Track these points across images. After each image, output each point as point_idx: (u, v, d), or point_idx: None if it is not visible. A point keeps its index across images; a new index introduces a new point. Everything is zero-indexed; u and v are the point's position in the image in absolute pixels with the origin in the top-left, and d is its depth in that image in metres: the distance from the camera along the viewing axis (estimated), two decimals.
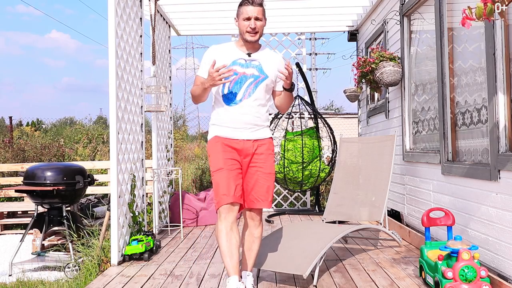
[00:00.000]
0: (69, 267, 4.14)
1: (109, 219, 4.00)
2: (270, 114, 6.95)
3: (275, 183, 6.61)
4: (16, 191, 4.58)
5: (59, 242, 4.94)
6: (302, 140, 5.99)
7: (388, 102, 5.45)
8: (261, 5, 2.88)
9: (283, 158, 6.01)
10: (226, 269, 2.82)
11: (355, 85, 5.78)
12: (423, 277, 3.16)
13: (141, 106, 4.76)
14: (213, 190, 2.91)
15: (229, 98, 2.90)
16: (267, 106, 3.02)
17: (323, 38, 31.68)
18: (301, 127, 6.25)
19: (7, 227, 6.63)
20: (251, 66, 2.91)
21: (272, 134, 6.29)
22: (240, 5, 2.90)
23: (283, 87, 2.97)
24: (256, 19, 2.86)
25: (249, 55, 2.93)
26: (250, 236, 2.98)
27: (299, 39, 7.25)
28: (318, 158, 6.08)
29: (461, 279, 2.72)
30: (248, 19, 2.85)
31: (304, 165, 5.94)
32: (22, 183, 4.62)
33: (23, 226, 6.55)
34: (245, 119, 2.89)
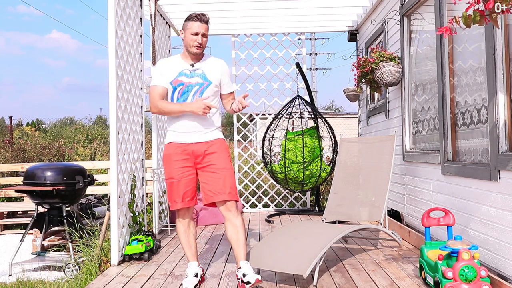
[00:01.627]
0: (69, 267, 4.15)
1: (109, 219, 4.00)
2: (269, 114, 6.99)
3: (275, 183, 6.62)
4: (16, 191, 4.58)
5: (59, 242, 4.95)
6: (303, 139, 5.99)
7: (388, 102, 5.45)
8: (207, 22, 3.20)
9: (284, 158, 6.01)
10: (186, 257, 3.34)
11: (355, 85, 5.77)
12: (423, 277, 3.16)
13: (141, 106, 4.76)
14: (167, 194, 3.31)
15: None
16: (216, 110, 3.29)
17: (323, 38, 31.68)
18: (302, 127, 6.25)
19: (7, 227, 6.64)
20: (195, 75, 3.21)
21: (273, 134, 6.31)
22: (189, 19, 3.19)
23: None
24: (203, 35, 3.17)
25: (192, 65, 3.22)
26: (233, 227, 3.16)
27: (299, 39, 7.25)
28: (319, 157, 6.08)
29: (461, 279, 2.72)
30: (196, 34, 3.15)
31: (305, 165, 5.94)
32: (22, 183, 4.63)
33: (23, 226, 6.55)
34: (194, 124, 3.19)
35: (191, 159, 3.21)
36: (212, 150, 3.20)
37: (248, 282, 2.98)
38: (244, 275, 3.04)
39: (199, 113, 3.08)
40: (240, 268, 3.11)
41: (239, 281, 3.11)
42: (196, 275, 3.24)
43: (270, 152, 6.23)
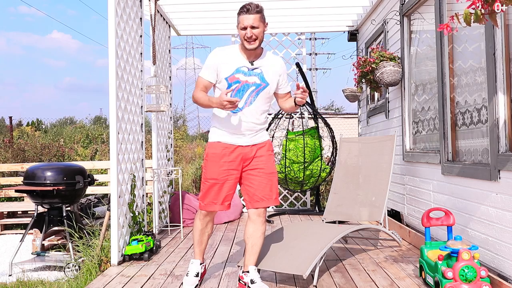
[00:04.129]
0: (69, 267, 4.14)
1: (109, 219, 4.00)
2: (270, 114, 6.99)
3: None
4: (16, 191, 4.57)
5: (59, 242, 4.94)
6: (303, 140, 5.99)
7: (388, 102, 5.45)
8: (258, 12, 2.93)
9: (284, 158, 6.01)
10: (194, 252, 3.29)
11: (355, 85, 5.77)
12: (423, 277, 3.16)
13: (141, 106, 4.76)
14: (201, 192, 3.16)
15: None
16: (267, 110, 3.18)
17: (323, 38, 31.74)
18: (303, 127, 6.25)
19: (7, 227, 6.63)
20: (253, 74, 3.02)
21: (273, 134, 6.31)
22: (238, 13, 2.97)
23: (295, 102, 3.02)
24: (252, 27, 2.92)
25: (251, 63, 3.02)
26: (255, 232, 3.11)
27: (299, 39, 7.25)
28: (319, 158, 6.08)
29: (461, 279, 2.72)
30: (245, 28, 2.93)
31: (305, 165, 5.94)
32: (22, 183, 4.62)
33: (23, 226, 6.54)
34: (245, 126, 3.04)
35: (239, 162, 3.08)
36: (260, 153, 3.10)
37: None
38: (252, 282, 3.04)
39: (223, 109, 2.91)
40: (248, 272, 3.09)
41: (241, 283, 3.11)
42: (197, 275, 3.21)
43: None
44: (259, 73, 3.03)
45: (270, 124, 6.36)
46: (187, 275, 3.22)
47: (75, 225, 4.46)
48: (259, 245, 3.13)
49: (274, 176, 3.12)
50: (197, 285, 3.19)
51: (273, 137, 6.28)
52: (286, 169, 5.98)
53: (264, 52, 3.10)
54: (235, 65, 3.01)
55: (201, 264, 3.28)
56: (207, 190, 3.09)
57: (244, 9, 2.92)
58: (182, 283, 3.24)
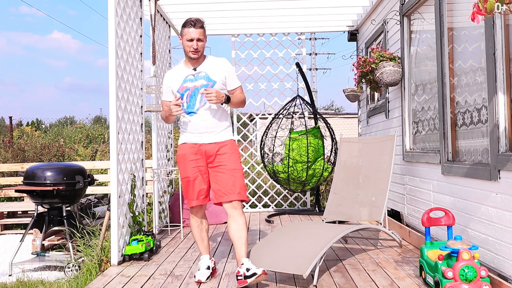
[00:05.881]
0: (69, 267, 4.15)
1: (109, 219, 4.00)
2: (265, 115, 7.02)
3: (275, 183, 6.62)
4: (16, 191, 4.58)
5: (59, 242, 4.95)
6: (307, 139, 5.99)
7: (388, 102, 5.45)
8: (202, 27, 3.29)
9: (288, 158, 6.00)
10: (199, 250, 3.51)
11: (355, 85, 5.77)
12: (423, 277, 3.16)
13: (141, 106, 4.76)
14: (183, 192, 3.47)
15: (189, 110, 3.34)
16: (226, 110, 3.42)
17: (323, 38, 31.70)
18: (306, 126, 6.24)
19: (7, 227, 6.63)
20: (199, 78, 3.34)
21: (276, 134, 6.30)
22: (184, 26, 3.30)
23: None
24: (198, 40, 3.27)
25: (194, 69, 3.35)
26: (237, 225, 3.26)
27: (299, 39, 7.25)
28: (322, 157, 6.08)
29: (461, 279, 2.72)
30: (191, 40, 3.27)
31: (309, 165, 5.94)
32: (22, 183, 4.62)
33: (23, 226, 6.55)
34: (205, 124, 3.32)
35: (203, 159, 3.35)
36: (223, 151, 3.33)
37: (254, 274, 3.03)
38: (248, 270, 3.08)
39: (173, 114, 3.26)
40: (242, 264, 3.13)
41: (240, 278, 3.10)
42: (208, 268, 3.40)
43: (272, 152, 6.22)
44: (204, 75, 3.32)
45: (269, 125, 6.35)
46: (198, 270, 3.40)
47: (75, 225, 4.46)
48: (244, 237, 3.24)
49: (237, 172, 3.31)
50: (208, 276, 3.36)
51: (275, 137, 6.28)
52: (289, 169, 5.97)
53: (208, 57, 3.41)
54: (182, 77, 3.35)
55: (210, 259, 3.46)
56: (185, 188, 3.40)
57: (192, 23, 3.25)
58: (182, 283, 3.24)
